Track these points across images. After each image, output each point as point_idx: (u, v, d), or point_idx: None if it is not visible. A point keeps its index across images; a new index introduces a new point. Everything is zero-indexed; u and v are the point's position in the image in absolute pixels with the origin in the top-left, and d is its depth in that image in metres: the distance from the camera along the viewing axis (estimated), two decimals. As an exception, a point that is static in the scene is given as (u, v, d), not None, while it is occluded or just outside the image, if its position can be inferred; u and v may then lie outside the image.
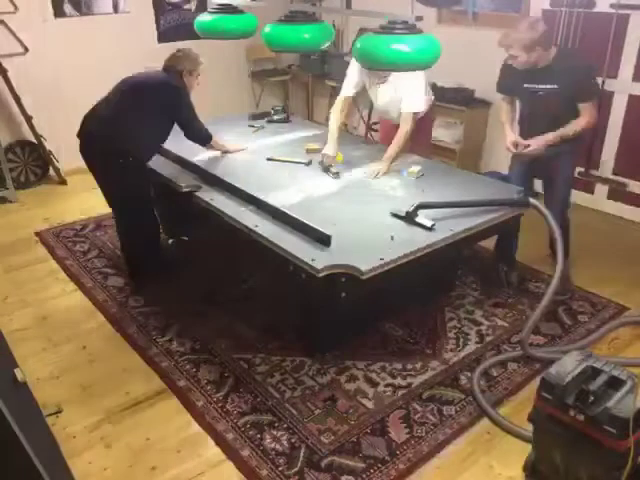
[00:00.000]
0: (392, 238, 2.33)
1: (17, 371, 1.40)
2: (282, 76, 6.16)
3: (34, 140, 4.71)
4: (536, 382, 2.01)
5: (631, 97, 3.83)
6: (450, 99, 4.68)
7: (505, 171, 4.57)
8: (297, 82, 6.31)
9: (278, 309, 3.03)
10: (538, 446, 1.93)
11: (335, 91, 5.76)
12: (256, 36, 3.20)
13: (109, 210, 4.25)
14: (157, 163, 3.19)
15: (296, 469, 2.12)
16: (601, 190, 4.15)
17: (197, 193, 2.82)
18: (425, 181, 2.95)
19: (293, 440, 2.25)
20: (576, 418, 1.72)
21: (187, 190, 2.85)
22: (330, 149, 3.09)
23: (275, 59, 6.15)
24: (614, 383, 1.76)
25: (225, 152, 3.33)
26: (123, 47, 5.10)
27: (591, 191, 4.21)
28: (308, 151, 3.32)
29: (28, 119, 4.58)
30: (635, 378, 1.76)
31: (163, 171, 3.10)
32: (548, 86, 2.87)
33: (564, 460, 1.79)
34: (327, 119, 6.04)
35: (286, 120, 4.02)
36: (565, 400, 1.75)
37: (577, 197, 4.28)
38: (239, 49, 5.74)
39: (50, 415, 2.27)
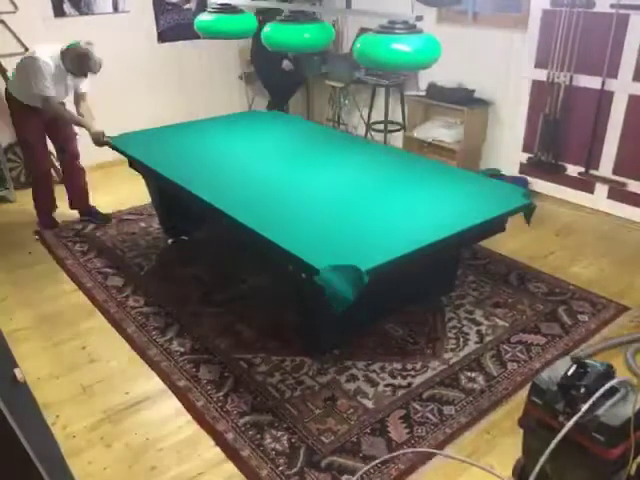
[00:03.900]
0: None
1: (17, 371, 1.40)
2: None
3: (34, 140, 4.71)
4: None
5: (631, 97, 3.82)
6: (450, 99, 4.69)
7: (504, 171, 4.59)
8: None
9: (278, 309, 3.03)
10: (528, 451, 1.91)
11: (335, 91, 5.79)
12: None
13: (109, 210, 4.29)
14: (157, 163, 3.20)
15: (296, 469, 2.12)
16: (601, 190, 4.15)
17: (197, 192, 2.81)
18: (424, 181, 2.95)
19: (293, 440, 2.25)
20: (565, 424, 1.70)
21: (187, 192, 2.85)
22: None
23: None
24: (607, 390, 1.74)
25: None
26: (123, 47, 5.10)
27: (591, 191, 4.21)
28: None
29: (28, 119, 4.58)
30: (629, 386, 1.75)
31: (163, 171, 3.10)
32: None
33: (553, 466, 1.78)
34: (327, 119, 6.09)
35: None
36: (555, 405, 1.73)
37: (577, 197, 4.29)
38: (231, 50, 5.73)
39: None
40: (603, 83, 3.91)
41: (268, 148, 3.48)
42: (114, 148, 3.54)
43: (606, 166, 4.06)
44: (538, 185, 4.47)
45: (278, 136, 3.74)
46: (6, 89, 3.82)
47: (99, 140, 3.60)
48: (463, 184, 2.90)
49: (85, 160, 4.99)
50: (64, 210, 4.37)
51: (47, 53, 3.56)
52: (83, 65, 3.57)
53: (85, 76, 3.69)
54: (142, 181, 3.79)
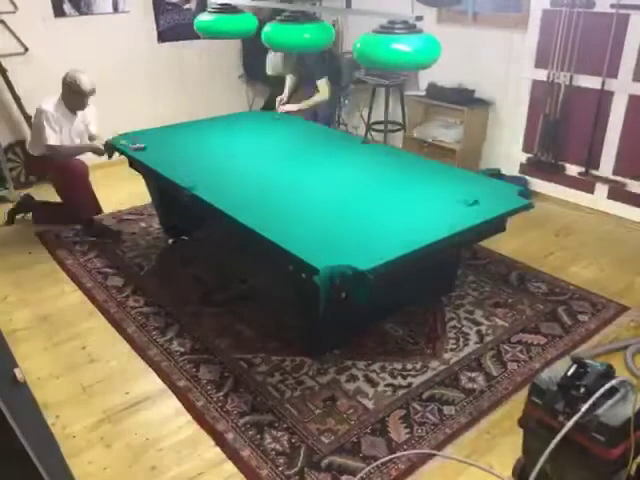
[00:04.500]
0: None
1: (17, 371, 1.40)
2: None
3: (34, 140, 4.71)
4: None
5: (631, 97, 3.82)
6: (450, 99, 4.69)
7: (504, 171, 4.59)
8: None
9: (278, 309, 3.03)
10: (528, 451, 1.91)
11: (335, 91, 5.78)
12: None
13: (109, 210, 4.29)
14: (157, 162, 3.20)
15: (296, 469, 2.12)
16: (601, 190, 4.15)
17: (197, 193, 2.81)
18: (424, 181, 2.95)
19: (293, 440, 2.25)
20: (565, 424, 1.70)
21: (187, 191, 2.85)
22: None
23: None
24: (607, 390, 1.74)
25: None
26: (123, 47, 5.11)
27: (591, 191, 4.21)
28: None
29: (28, 119, 4.58)
30: (629, 385, 1.75)
31: (163, 171, 3.10)
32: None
33: (553, 466, 1.78)
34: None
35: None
36: (555, 406, 1.73)
37: (577, 197, 4.29)
38: (231, 50, 5.73)
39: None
40: (603, 83, 3.91)
41: (268, 148, 3.49)
42: (116, 149, 3.54)
43: (606, 166, 4.06)
44: (538, 185, 4.47)
45: (278, 136, 3.74)
46: (30, 155, 3.87)
47: (101, 152, 3.68)
48: (463, 184, 2.90)
49: (86, 159, 5.01)
50: (64, 210, 4.38)
51: (52, 99, 3.67)
52: (70, 100, 3.67)
53: (74, 113, 3.74)
54: (142, 181, 3.79)
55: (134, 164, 3.51)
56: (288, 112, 4.32)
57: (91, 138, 3.87)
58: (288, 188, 2.89)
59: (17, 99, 4.51)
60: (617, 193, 4.06)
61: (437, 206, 2.66)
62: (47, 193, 4.72)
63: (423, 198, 2.74)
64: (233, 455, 2.19)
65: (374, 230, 2.44)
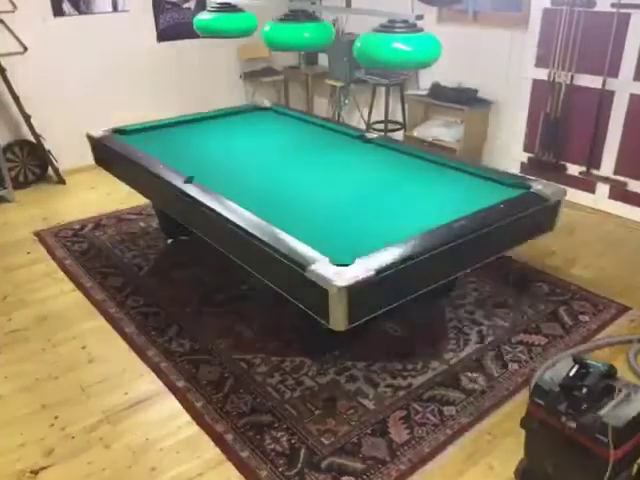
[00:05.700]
0: None
1: None
2: (275, 76, 6.10)
3: (33, 140, 4.71)
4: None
5: (632, 96, 3.82)
6: (453, 99, 4.68)
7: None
8: (296, 81, 6.29)
9: (278, 309, 3.02)
10: (530, 452, 1.91)
11: (335, 90, 5.78)
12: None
13: (108, 210, 4.29)
14: (154, 163, 3.18)
15: (296, 470, 2.11)
16: (602, 189, 4.14)
17: (195, 195, 2.79)
18: (427, 180, 2.94)
19: (293, 441, 2.24)
20: (567, 425, 1.69)
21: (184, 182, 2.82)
22: None
23: (269, 59, 6.07)
24: (610, 391, 1.73)
25: None
26: (122, 46, 5.10)
27: (592, 190, 4.21)
28: None
29: (27, 118, 4.58)
30: (631, 387, 1.74)
31: (159, 170, 3.09)
32: None
33: (555, 467, 1.77)
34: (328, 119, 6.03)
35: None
36: (557, 406, 1.73)
37: (578, 197, 4.28)
38: (231, 49, 5.72)
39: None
40: (604, 82, 3.90)
41: (266, 145, 3.47)
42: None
43: (607, 166, 4.05)
44: (539, 185, 4.46)
45: (276, 129, 3.71)
46: None
47: None
48: (465, 184, 2.88)
49: (85, 159, 5.00)
50: (62, 210, 4.37)
51: None
52: None
53: None
54: (142, 181, 3.77)
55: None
56: None
57: None
58: (289, 188, 2.87)
59: (16, 99, 4.50)
60: (618, 193, 4.05)
61: (439, 207, 2.64)
62: (47, 194, 4.73)
63: (426, 197, 2.73)
64: (233, 456, 2.18)
65: (374, 231, 2.42)
